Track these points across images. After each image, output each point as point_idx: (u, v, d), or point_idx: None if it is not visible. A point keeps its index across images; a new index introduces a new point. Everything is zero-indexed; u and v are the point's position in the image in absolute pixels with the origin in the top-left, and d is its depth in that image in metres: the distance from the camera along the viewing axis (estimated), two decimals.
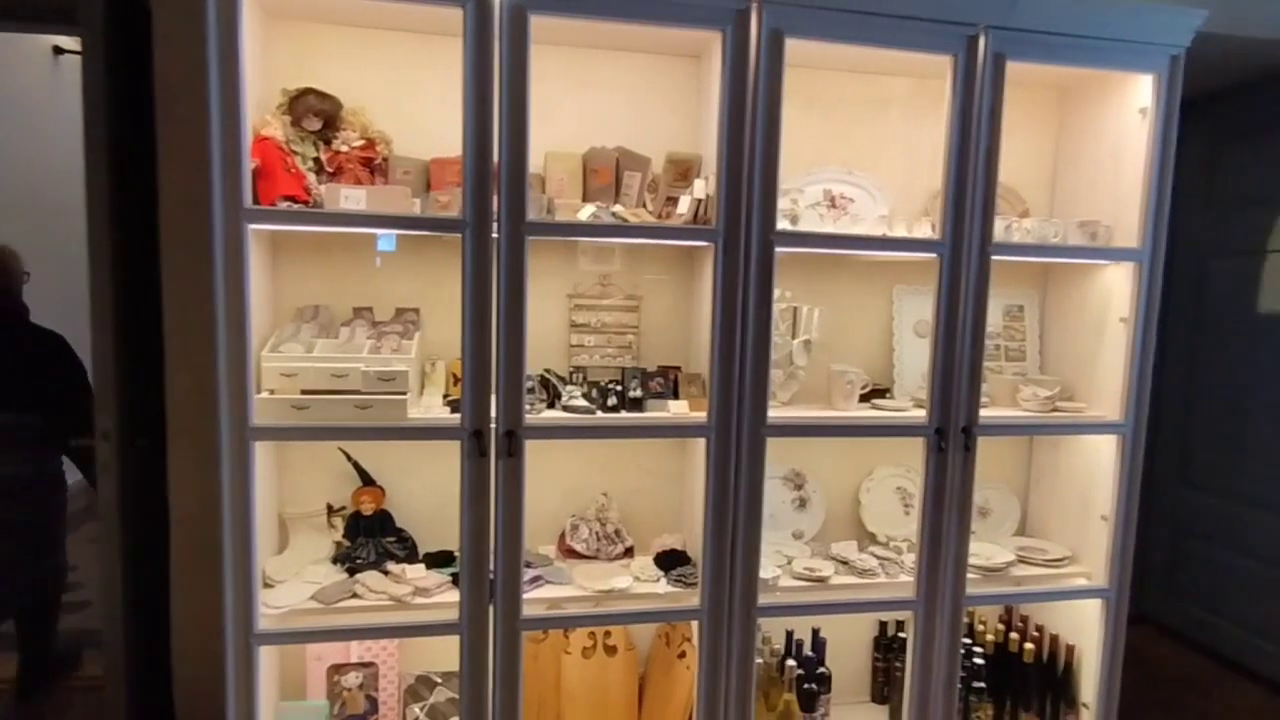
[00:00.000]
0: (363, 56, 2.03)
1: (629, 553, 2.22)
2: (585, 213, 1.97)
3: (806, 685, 2.23)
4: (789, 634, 2.30)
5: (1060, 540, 2.41)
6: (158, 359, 2.14)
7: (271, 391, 1.81)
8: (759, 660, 2.21)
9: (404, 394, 1.83)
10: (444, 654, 2.07)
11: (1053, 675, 2.36)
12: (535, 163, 2.04)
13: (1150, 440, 3.31)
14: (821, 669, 2.27)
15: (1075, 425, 2.24)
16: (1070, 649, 2.36)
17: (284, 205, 1.77)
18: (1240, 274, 3.14)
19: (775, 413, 2.06)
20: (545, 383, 2.09)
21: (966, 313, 2.04)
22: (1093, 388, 2.30)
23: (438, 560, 2.06)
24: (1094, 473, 2.29)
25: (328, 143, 1.93)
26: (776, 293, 2.10)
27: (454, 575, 1.93)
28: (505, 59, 1.73)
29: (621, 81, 2.17)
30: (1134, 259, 2.14)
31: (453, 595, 1.91)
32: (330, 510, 2.11)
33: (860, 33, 1.91)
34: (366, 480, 2.09)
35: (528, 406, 1.93)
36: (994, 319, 2.42)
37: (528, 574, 1.99)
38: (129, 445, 2.14)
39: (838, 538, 2.37)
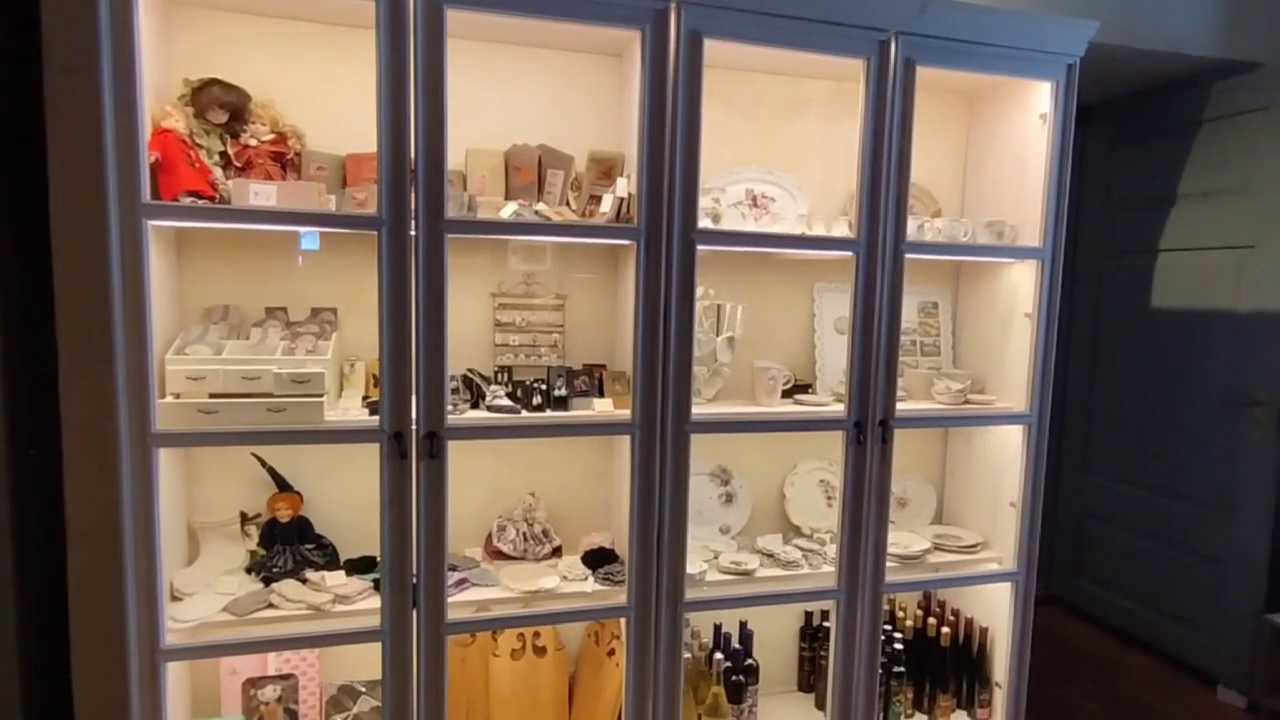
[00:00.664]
0: (273, 47, 1.96)
1: (557, 552, 2.21)
2: (507, 211, 1.95)
3: (734, 677, 2.26)
4: (717, 627, 2.33)
5: (974, 527, 2.51)
6: (50, 361, 2.01)
7: (176, 396, 1.73)
8: (687, 655, 2.24)
9: (320, 396, 1.78)
10: (367, 662, 2.03)
11: (968, 656, 2.46)
12: (456, 160, 2.02)
13: (1056, 430, 3.48)
14: (749, 660, 2.30)
15: (985, 417, 2.33)
16: (984, 631, 2.46)
17: (187, 201, 1.69)
18: (1135, 272, 3.33)
19: (700, 409, 2.08)
20: (469, 383, 2.06)
21: (882, 309, 2.11)
22: (1002, 381, 2.40)
23: (359, 566, 2.01)
24: (1003, 462, 2.40)
25: (235, 136, 1.85)
26: (700, 290, 2.13)
27: (376, 581, 1.89)
28: (421, 53, 1.70)
29: (544, 79, 2.16)
30: (1036, 257, 2.25)
31: (375, 601, 1.86)
32: (244, 518, 2.03)
33: (777, 35, 1.94)
34: (282, 486, 2.02)
35: (450, 407, 1.90)
36: (910, 315, 2.51)
37: (453, 577, 1.96)
38: (19, 454, 2.01)
39: (764, 531, 2.41)
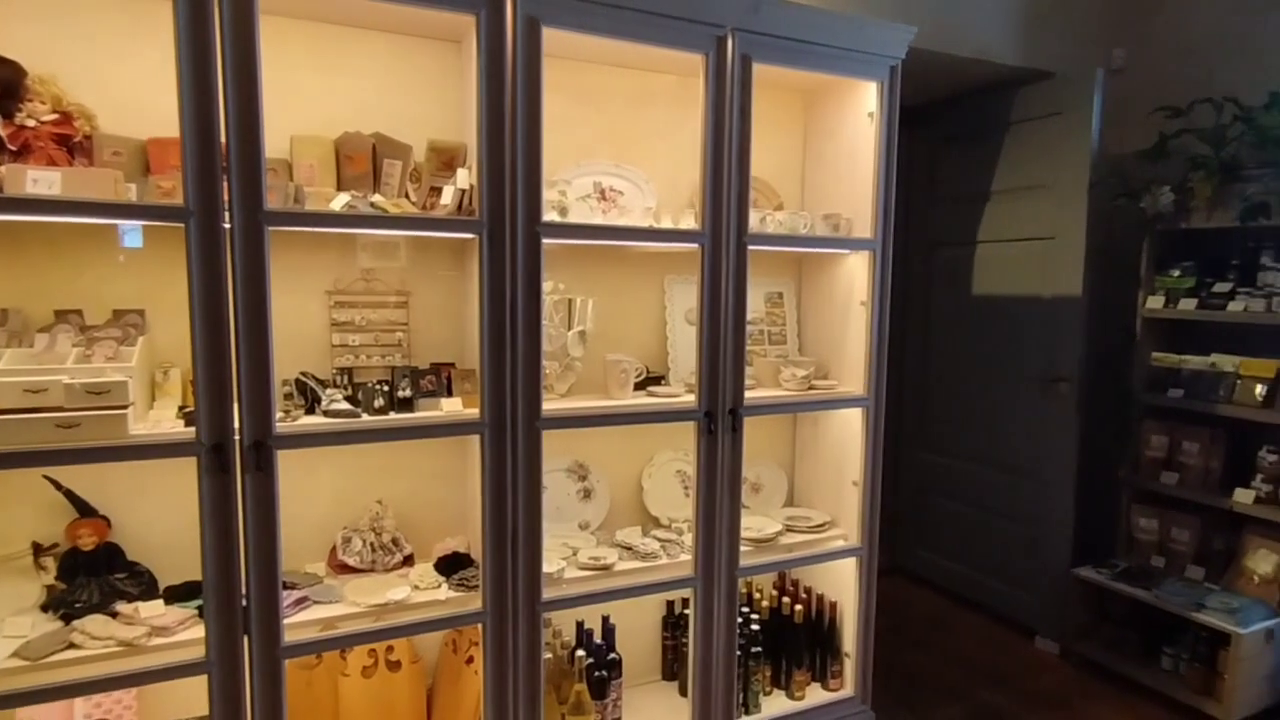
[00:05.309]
0: (53, 18, 1.73)
1: (408, 561, 2.11)
2: (339, 202, 1.83)
3: (597, 673, 2.25)
4: (579, 624, 2.31)
5: (822, 507, 2.63)
6: None
7: None
8: (548, 655, 2.20)
9: (123, 408, 1.59)
10: (198, 698, 1.84)
11: (820, 631, 2.57)
12: (279, 147, 1.88)
13: (894, 411, 3.71)
14: (612, 655, 2.30)
15: (828, 401, 2.44)
16: (834, 605, 2.59)
17: None
18: (957, 262, 3.62)
19: (552, 405, 2.05)
20: (303, 387, 1.92)
21: (728, 300, 2.15)
22: (843, 366, 2.52)
23: (181, 593, 1.83)
24: (847, 443, 2.52)
25: (9, 116, 1.63)
26: (549, 284, 2.09)
27: (202, 608, 1.72)
28: (228, 28, 1.55)
29: (378, 64, 2.04)
30: (869, 248, 2.38)
31: (200, 631, 1.70)
32: (38, 549, 1.79)
33: (615, 26, 1.94)
34: (84, 510, 1.80)
35: (281, 414, 1.77)
36: (757, 305, 2.59)
37: (290, 596, 1.83)
38: None
39: (624, 524, 2.42)
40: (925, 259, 3.80)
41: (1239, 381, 2.78)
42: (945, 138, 3.65)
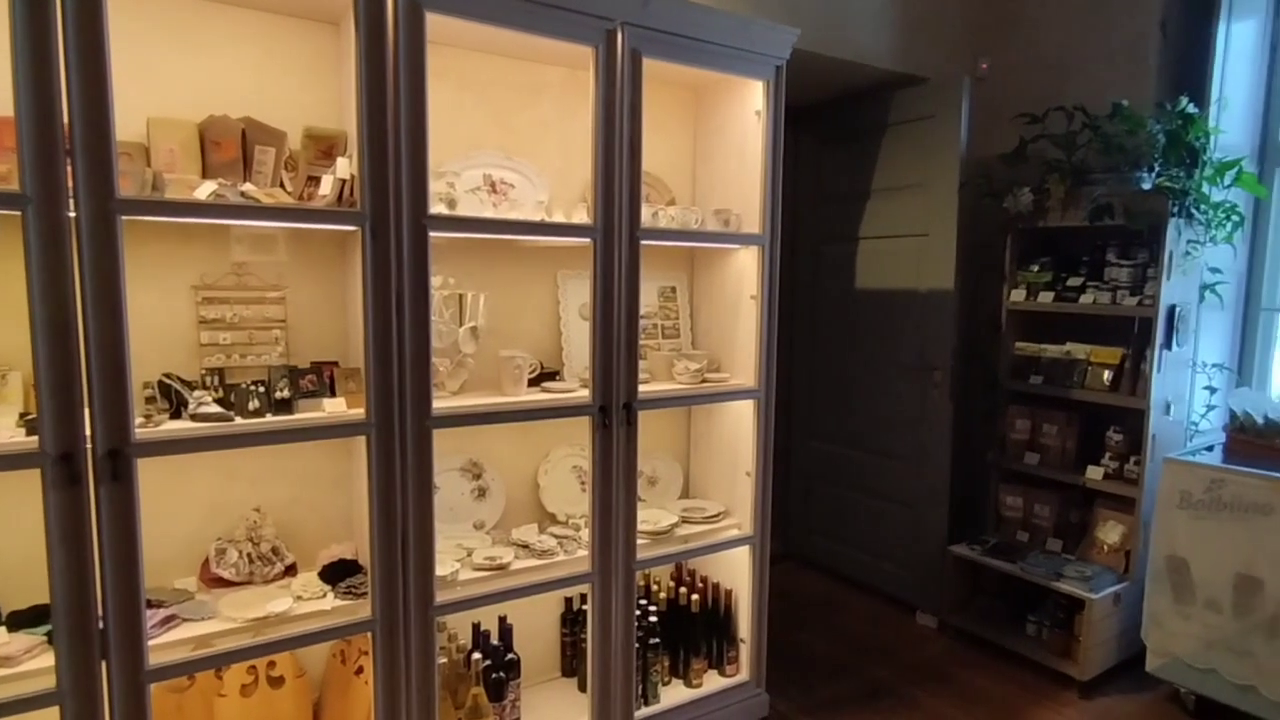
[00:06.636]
0: None
1: (291, 571, 2.00)
2: (204, 190, 1.71)
3: (495, 675, 2.21)
4: (475, 626, 2.27)
5: (717, 498, 2.68)
6: None
7: None
8: (443, 660, 2.14)
9: None
10: None
11: (716, 619, 2.62)
12: (135, 130, 1.74)
13: (785, 401, 3.82)
14: (510, 655, 2.26)
15: (720, 394, 2.49)
16: (729, 593, 2.65)
17: None
18: (843, 257, 3.77)
19: (443, 403, 1.99)
20: (167, 389, 1.78)
21: (621, 295, 2.16)
22: (734, 359, 2.58)
23: (28, 619, 1.66)
24: (739, 435, 2.58)
25: None
26: (438, 279, 2.04)
27: (50, 634, 1.57)
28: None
29: (249, 44, 1.92)
30: (758, 243, 2.44)
31: (49, 659, 1.55)
32: None
33: (501, 14, 1.90)
34: None
35: (141, 419, 1.64)
36: (650, 299, 2.61)
37: (156, 615, 1.70)
38: None
39: (520, 522, 2.39)
40: (813, 254, 3.94)
41: (1089, 368, 3.03)
42: (830, 138, 3.79)
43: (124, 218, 1.50)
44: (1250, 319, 3.24)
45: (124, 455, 1.54)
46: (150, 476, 1.77)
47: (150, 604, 1.71)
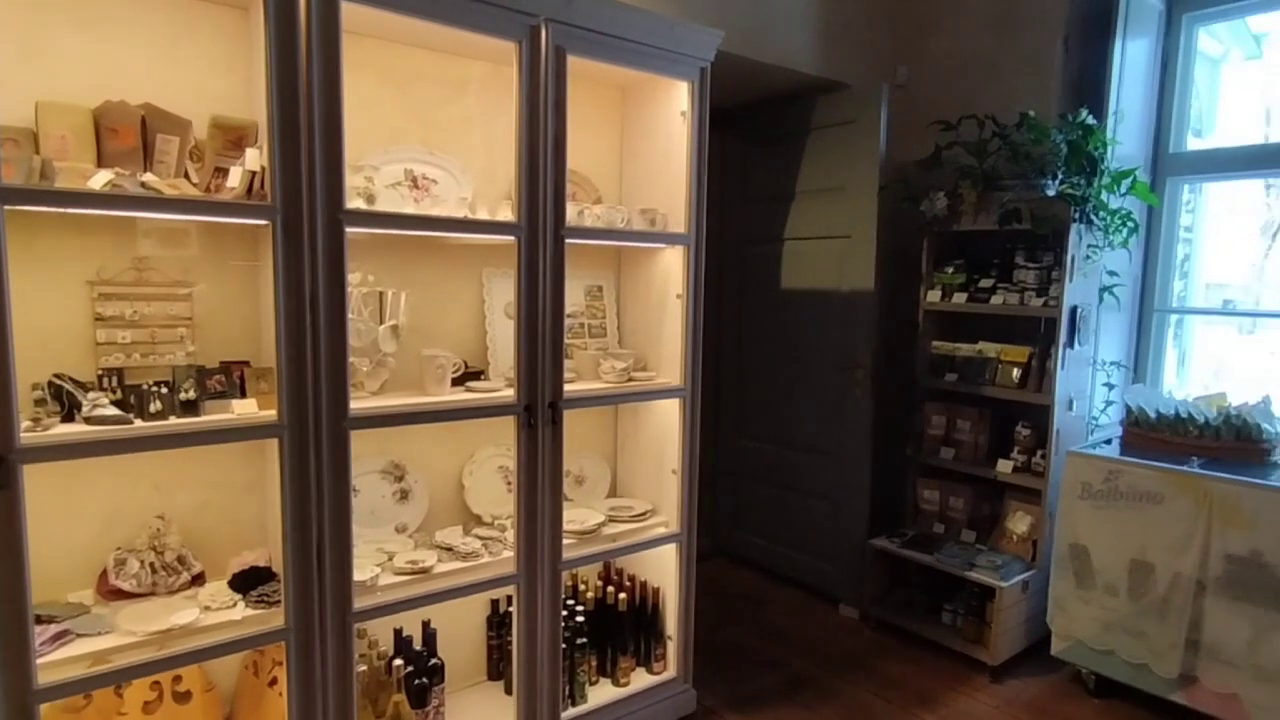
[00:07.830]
0: None
1: (198, 580, 1.92)
2: (99, 180, 1.61)
3: (418, 680, 2.17)
4: (397, 632, 2.21)
5: (644, 496, 2.69)
6: None
7: None
8: (362, 667, 2.09)
9: None
10: None
11: (644, 617, 2.63)
12: (21, 115, 1.63)
13: (712, 400, 3.87)
14: (434, 660, 2.22)
15: (646, 393, 2.50)
16: (656, 591, 2.66)
17: None
18: (768, 258, 3.83)
19: (362, 404, 1.94)
20: (58, 391, 1.68)
21: (546, 293, 2.14)
22: (660, 358, 2.59)
23: None
24: (666, 433, 2.60)
25: None
26: (356, 276, 1.98)
27: None
28: None
29: (150, 27, 1.82)
30: (683, 243, 2.46)
31: None
32: None
33: (421, 5, 1.85)
34: None
35: (29, 423, 1.54)
36: (577, 298, 2.60)
37: (46, 632, 1.60)
38: None
39: (444, 524, 2.34)
40: (740, 255, 3.99)
41: (1000, 366, 3.17)
42: (757, 140, 3.85)
43: (6, 207, 1.40)
44: (1144, 320, 3.45)
45: (7, 462, 1.44)
46: (41, 484, 1.67)
47: (40, 619, 1.61)
